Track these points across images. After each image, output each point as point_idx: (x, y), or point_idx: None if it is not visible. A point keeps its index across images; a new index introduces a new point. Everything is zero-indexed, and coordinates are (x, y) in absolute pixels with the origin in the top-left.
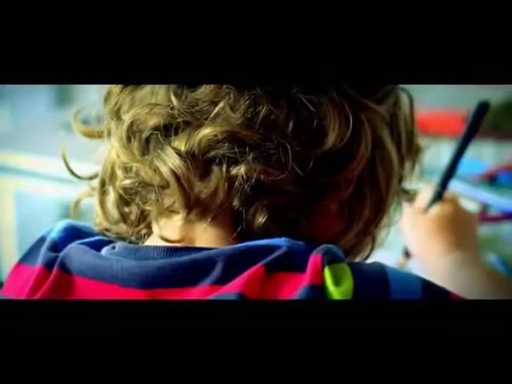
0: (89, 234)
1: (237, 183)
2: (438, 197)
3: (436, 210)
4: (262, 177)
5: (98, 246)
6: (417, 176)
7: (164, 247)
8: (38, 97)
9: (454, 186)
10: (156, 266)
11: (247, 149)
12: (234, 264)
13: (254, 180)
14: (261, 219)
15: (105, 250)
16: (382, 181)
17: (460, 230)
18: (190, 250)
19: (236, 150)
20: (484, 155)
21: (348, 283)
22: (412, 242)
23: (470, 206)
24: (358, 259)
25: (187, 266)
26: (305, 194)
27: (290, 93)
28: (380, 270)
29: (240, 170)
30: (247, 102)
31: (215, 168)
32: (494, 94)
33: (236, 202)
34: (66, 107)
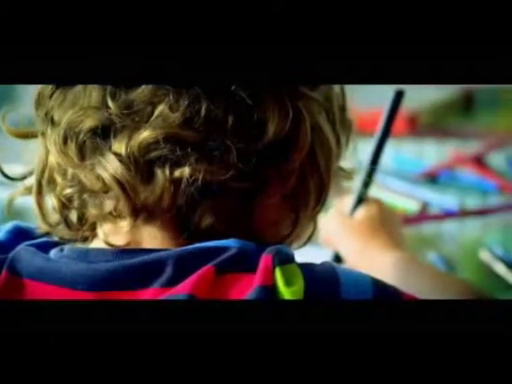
0: (36, 235)
1: (182, 186)
2: (362, 198)
3: (362, 212)
4: (207, 177)
5: (45, 247)
6: (351, 152)
7: (114, 249)
8: None
9: (395, 185)
10: (106, 268)
11: (189, 150)
12: (184, 265)
13: (199, 181)
14: (208, 220)
15: (53, 253)
16: (321, 165)
17: (390, 228)
18: (140, 252)
19: (178, 151)
20: (425, 154)
21: (299, 284)
22: (345, 249)
23: (411, 205)
24: (297, 244)
25: (137, 268)
26: (249, 189)
27: (227, 89)
28: (331, 270)
29: (184, 172)
30: (186, 101)
31: (158, 171)
32: (435, 92)
33: (182, 205)
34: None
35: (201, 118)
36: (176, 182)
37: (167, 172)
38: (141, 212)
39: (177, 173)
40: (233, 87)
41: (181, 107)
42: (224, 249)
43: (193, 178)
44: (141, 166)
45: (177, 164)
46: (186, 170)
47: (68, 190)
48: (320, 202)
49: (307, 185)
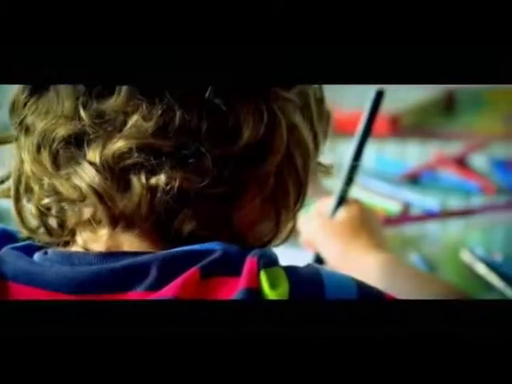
0: (20, 238)
1: (159, 194)
2: (342, 199)
3: (343, 213)
4: (183, 185)
5: (29, 250)
6: (330, 147)
7: (98, 252)
8: None
9: (377, 186)
10: (90, 271)
11: (164, 158)
12: (169, 269)
13: (175, 189)
14: (189, 226)
15: (37, 256)
16: (299, 164)
17: (372, 229)
18: (124, 255)
19: (153, 160)
20: (407, 155)
21: (284, 286)
22: (326, 250)
23: (393, 206)
24: (276, 243)
25: (122, 271)
26: (228, 194)
27: (201, 96)
28: (315, 273)
29: (160, 180)
30: (159, 110)
31: (134, 179)
32: (417, 93)
33: (161, 212)
34: None
35: (175, 127)
36: (153, 190)
37: (143, 179)
38: (119, 220)
39: (153, 180)
40: (207, 93)
41: (154, 116)
42: (208, 251)
43: (169, 186)
44: (116, 174)
45: (152, 172)
46: (162, 178)
47: (45, 200)
48: (299, 200)
49: (286, 185)
